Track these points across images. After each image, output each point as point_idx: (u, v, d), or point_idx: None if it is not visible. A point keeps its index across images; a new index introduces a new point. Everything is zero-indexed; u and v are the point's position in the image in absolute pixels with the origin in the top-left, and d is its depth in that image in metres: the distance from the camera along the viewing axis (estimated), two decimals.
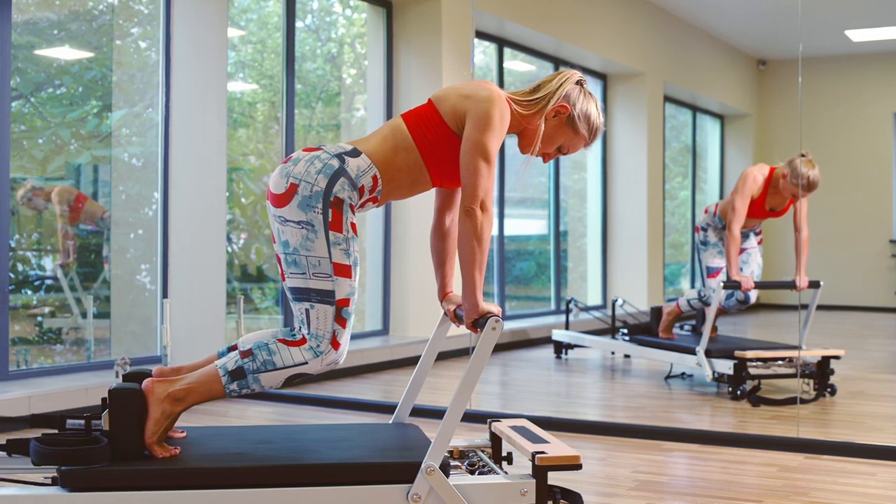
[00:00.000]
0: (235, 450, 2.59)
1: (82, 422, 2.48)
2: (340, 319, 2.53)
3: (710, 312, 5.46)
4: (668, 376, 5.90)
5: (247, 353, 2.51)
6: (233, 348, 2.60)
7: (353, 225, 2.55)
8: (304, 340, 2.52)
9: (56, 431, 2.48)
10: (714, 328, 5.97)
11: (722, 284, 5.39)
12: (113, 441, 2.44)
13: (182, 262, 5.45)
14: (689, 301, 5.91)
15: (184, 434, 2.71)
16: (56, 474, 2.39)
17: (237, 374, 2.50)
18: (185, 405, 2.51)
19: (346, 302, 2.53)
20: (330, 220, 2.50)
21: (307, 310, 2.52)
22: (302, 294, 2.52)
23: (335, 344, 2.53)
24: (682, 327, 6.39)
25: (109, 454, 2.41)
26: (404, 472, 2.48)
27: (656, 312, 6.23)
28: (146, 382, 2.50)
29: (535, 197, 8.33)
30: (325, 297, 2.51)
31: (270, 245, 6.71)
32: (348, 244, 2.53)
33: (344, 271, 2.52)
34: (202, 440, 2.69)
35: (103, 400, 2.48)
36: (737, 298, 5.66)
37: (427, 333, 6.55)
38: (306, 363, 2.51)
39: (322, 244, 2.50)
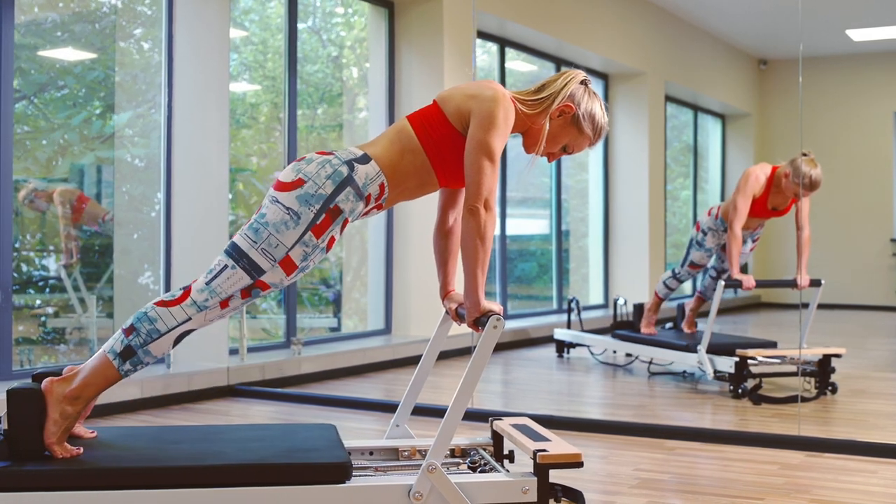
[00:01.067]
0: (143, 450, 2.56)
1: None
2: (247, 292, 2.52)
3: (712, 311, 5.47)
4: (651, 371, 5.96)
5: (130, 330, 2.49)
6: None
7: (332, 239, 2.55)
8: (186, 294, 2.51)
9: None
10: (693, 323, 6.07)
11: (723, 283, 5.40)
12: (11, 441, 2.42)
13: (185, 263, 5.46)
14: (664, 282, 6.06)
15: (94, 434, 2.68)
16: None
17: (126, 353, 2.49)
18: (84, 402, 2.49)
19: (265, 286, 2.52)
20: (318, 223, 2.51)
21: (226, 265, 2.51)
22: (236, 253, 2.51)
23: (224, 304, 2.51)
24: (664, 326, 6.44)
25: (6, 453, 2.40)
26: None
27: (639, 309, 6.30)
28: (45, 382, 2.49)
29: (537, 197, 8.34)
30: (253, 268, 2.50)
31: None
32: (314, 252, 2.53)
33: (289, 267, 2.52)
34: (112, 440, 2.67)
35: (6, 401, 2.47)
36: (710, 277, 5.82)
37: (429, 333, 6.55)
38: (190, 318, 2.50)
39: (293, 236, 2.50)
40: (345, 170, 2.55)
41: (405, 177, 2.64)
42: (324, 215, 2.51)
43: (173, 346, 2.53)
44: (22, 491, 2.34)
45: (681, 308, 6.29)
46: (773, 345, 5.43)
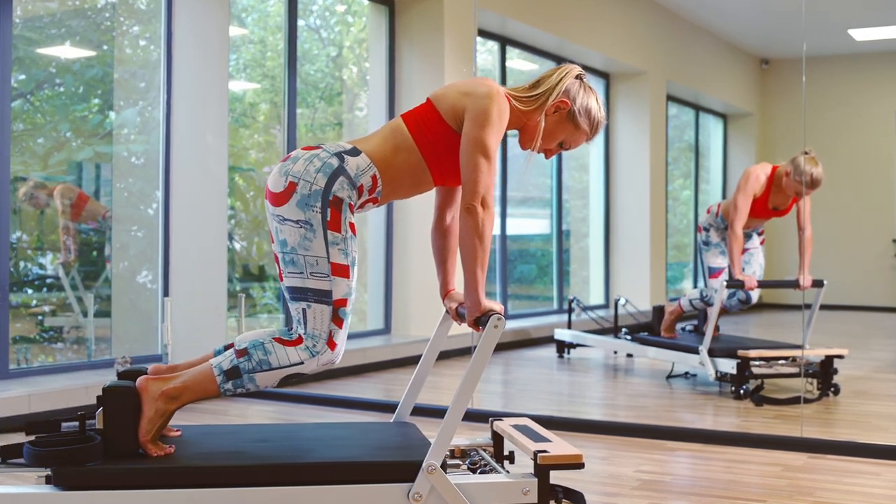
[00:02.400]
0: (231, 448, 2.57)
1: (77, 423, 2.46)
2: (337, 319, 2.51)
3: (713, 312, 5.45)
4: (670, 375, 5.88)
5: (242, 353, 2.49)
6: (229, 346, 2.58)
7: (351, 225, 2.54)
8: (300, 340, 2.50)
9: (50, 434, 2.46)
10: (717, 327, 5.97)
11: (725, 283, 5.37)
12: (106, 439, 2.42)
13: (183, 261, 5.44)
14: (691, 301, 5.92)
15: (179, 433, 2.69)
16: (50, 474, 2.37)
17: (232, 373, 2.49)
18: (180, 403, 2.49)
19: (343, 302, 2.52)
20: (329, 219, 2.49)
21: (304, 309, 2.50)
22: (299, 293, 2.51)
23: (331, 344, 2.51)
24: (683, 328, 6.39)
25: (102, 453, 2.39)
26: (403, 471, 2.46)
27: (658, 311, 6.23)
28: (140, 380, 2.48)
29: (537, 197, 8.32)
30: (323, 296, 2.49)
31: (270, 241, 6.69)
32: (346, 244, 2.52)
33: (342, 271, 2.51)
34: (198, 439, 2.68)
35: (98, 398, 2.46)
36: (738, 298, 5.65)
37: (429, 332, 6.52)
38: (302, 363, 2.50)
39: (320, 243, 2.48)
40: (335, 161, 2.52)
41: (399, 174, 2.61)
42: (329, 209, 2.49)
43: (278, 384, 2.53)
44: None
45: (703, 312, 6.22)
46: (775, 346, 5.40)
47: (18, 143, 5.26)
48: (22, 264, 5.47)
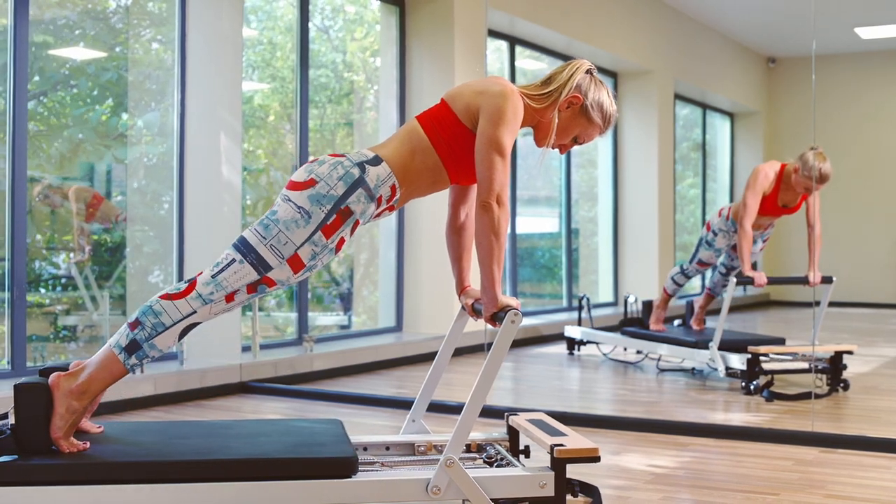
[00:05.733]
0: (150, 445, 2.57)
1: None
2: (252, 287, 2.52)
3: (724, 307, 5.48)
4: (660, 368, 5.96)
5: (135, 324, 2.50)
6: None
7: (341, 240, 2.56)
8: (191, 287, 2.51)
9: None
10: (702, 320, 6.09)
11: (735, 280, 5.41)
12: (18, 435, 2.43)
13: (197, 260, 5.48)
14: (671, 278, 6.09)
15: (101, 429, 2.69)
16: None
17: (132, 347, 2.49)
18: (90, 396, 2.50)
19: (271, 282, 2.53)
20: (328, 223, 2.51)
21: (233, 260, 2.51)
22: (245, 248, 2.51)
23: (229, 298, 2.52)
24: (673, 324, 6.45)
25: (13, 447, 2.41)
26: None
27: (647, 306, 6.32)
28: (52, 377, 2.50)
29: (546, 195, 8.35)
30: (260, 264, 2.50)
31: None
32: (322, 252, 2.53)
33: (297, 265, 2.52)
34: (120, 435, 2.68)
35: (13, 396, 2.48)
36: (720, 274, 5.84)
37: (440, 330, 6.57)
38: (194, 312, 2.50)
39: (302, 235, 2.50)
40: (356, 171, 2.55)
41: (416, 176, 2.64)
42: (334, 216, 2.52)
43: (178, 339, 2.53)
44: (29, 485, 2.35)
45: (690, 305, 6.31)
46: (783, 342, 5.43)
47: (32, 144, 5.30)
48: (36, 264, 5.52)
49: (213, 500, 2.40)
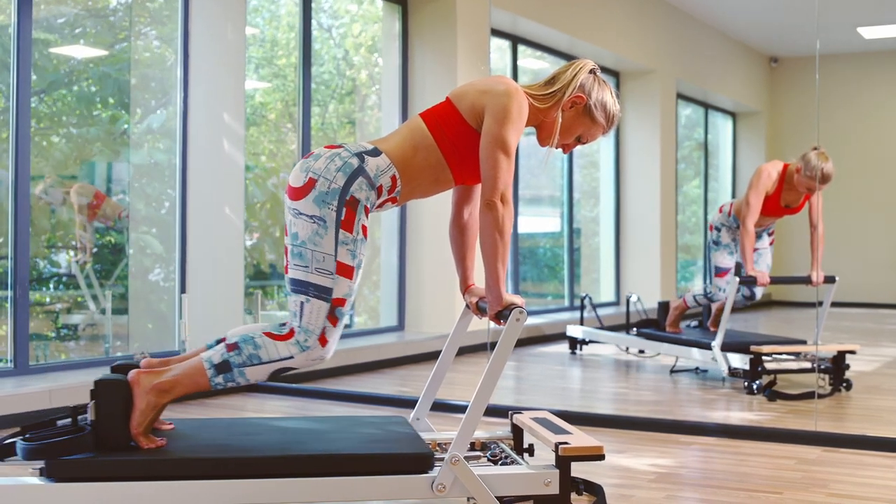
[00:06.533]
0: (224, 441, 2.58)
1: (70, 419, 2.48)
2: (333, 318, 2.53)
3: (726, 307, 5.48)
4: (673, 370, 5.95)
5: (233, 347, 2.51)
6: (221, 341, 2.60)
7: (364, 227, 2.57)
8: (291, 334, 2.52)
9: (43, 429, 2.47)
10: (716, 322, 6.06)
11: (738, 279, 5.41)
12: (98, 432, 2.44)
13: (200, 258, 5.48)
14: (695, 297, 6.03)
15: (171, 426, 2.71)
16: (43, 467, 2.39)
17: (223, 367, 2.51)
18: (171, 397, 2.51)
19: (341, 301, 2.54)
20: (342, 218, 2.52)
21: (302, 303, 2.52)
22: (301, 286, 2.53)
23: (322, 340, 2.53)
24: (688, 325, 6.43)
25: (93, 444, 2.41)
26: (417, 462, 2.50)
27: (663, 307, 6.30)
28: (132, 373, 2.51)
29: (549, 195, 8.35)
30: (323, 293, 2.51)
31: (278, 247, 6.73)
32: (356, 245, 2.54)
33: (346, 271, 2.53)
34: (190, 432, 2.69)
35: (91, 392, 2.48)
36: (742, 294, 5.71)
37: (442, 329, 6.57)
38: (292, 357, 2.52)
39: (330, 241, 2.51)
40: (355, 161, 2.56)
41: (418, 173, 2.64)
42: (344, 209, 2.52)
43: (268, 378, 2.55)
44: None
45: (707, 307, 6.27)
46: (787, 342, 5.43)
47: (35, 142, 5.30)
48: (37, 262, 5.52)
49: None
